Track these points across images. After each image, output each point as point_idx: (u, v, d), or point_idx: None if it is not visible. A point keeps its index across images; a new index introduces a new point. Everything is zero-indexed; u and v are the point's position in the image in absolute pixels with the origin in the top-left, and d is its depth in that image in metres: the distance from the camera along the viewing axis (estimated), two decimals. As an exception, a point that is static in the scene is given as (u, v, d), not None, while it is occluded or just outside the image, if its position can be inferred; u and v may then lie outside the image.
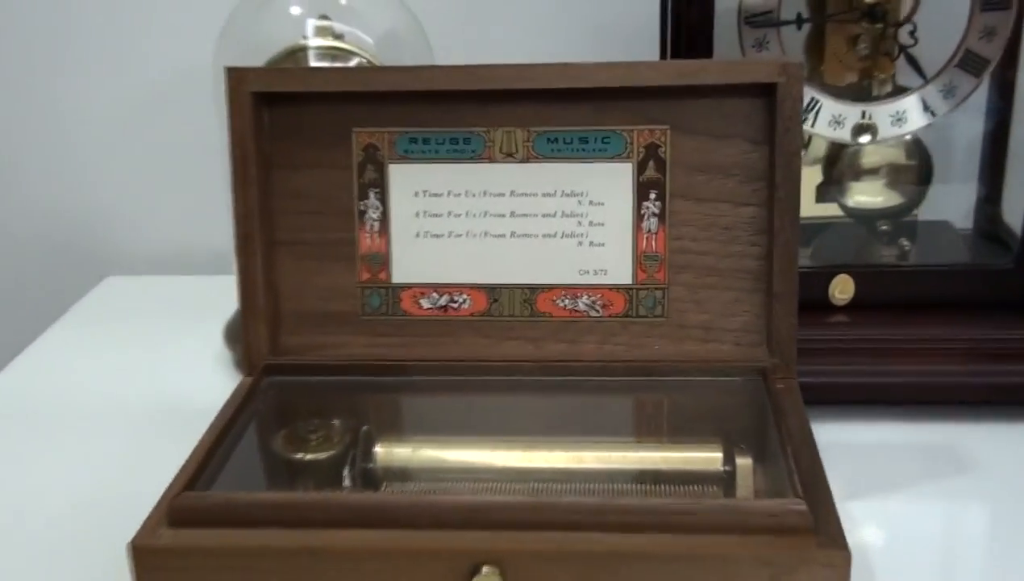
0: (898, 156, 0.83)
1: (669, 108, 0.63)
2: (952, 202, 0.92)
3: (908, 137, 0.79)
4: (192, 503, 0.52)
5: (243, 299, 0.65)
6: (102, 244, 1.08)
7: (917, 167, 0.85)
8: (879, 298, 0.78)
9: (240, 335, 0.81)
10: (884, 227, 0.84)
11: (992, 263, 0.78)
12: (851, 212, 0.85)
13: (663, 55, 0.79)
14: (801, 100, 0.61)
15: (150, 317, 0.96)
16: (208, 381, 0.82)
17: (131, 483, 0.61)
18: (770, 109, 0.62)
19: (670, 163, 0.63)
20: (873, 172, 0.84)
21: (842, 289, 0.78)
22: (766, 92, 0.62)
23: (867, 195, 0.85)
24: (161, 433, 0.73)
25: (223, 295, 0.90)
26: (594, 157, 0.64)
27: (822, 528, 0.49)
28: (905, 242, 0.83)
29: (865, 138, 0.79)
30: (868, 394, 0.74)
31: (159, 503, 0.53)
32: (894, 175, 0.84)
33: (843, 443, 0.69)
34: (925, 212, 0.86)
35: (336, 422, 0.62)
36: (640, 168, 0.63)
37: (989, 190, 0.86)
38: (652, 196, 0.64)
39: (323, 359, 0.65)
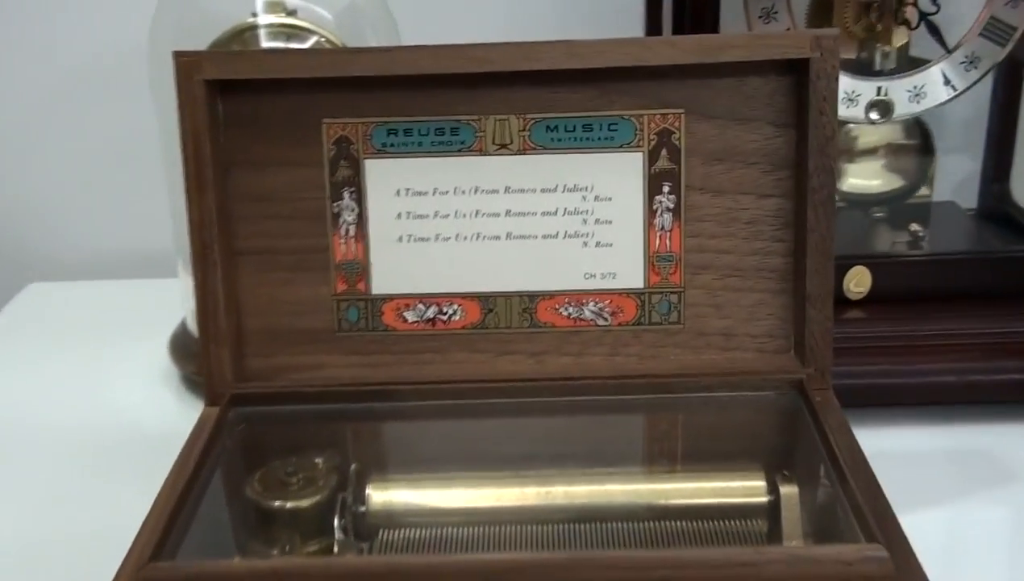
0: (896, 135, 0.80)
1: (684, 89, 0.58)
2: (950, 180, 0.88)
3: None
4: (161, 576, 0.44)
5: (201, 319, 0.60)
6: (24, 247, 1.02)
7: (917, 146, 0.81)
8: (897, 290, 0.74)
9: (189, 348, 0.77)
10: (878, 214, 0.80)
11: (1017, 250, 0.74)
12: (846, 197, 0.81)
13: (651, 30, 0.75)
14: (837, 78, 0.56)
15: (82, 328, 0.91)
16: (155, 402, 0.78)
17: (70, 531, 0.55)
18: (797, 88, 0.58)
19: (685, 151, 0.59)
20: (870, 153, 0.81)
21: (858, 282, 0.74)
22: (792, 69, 0.58)
23: (863, 178, 0.82)
24: (104, 467, 0.68)
25: (164, 302, 0.85)
26: (599, 146, 0.59)
27: (903, 577, 0.43)
28: (917, 227, 0.79)
29: (877, 116, 0.75)
30: (891, 396, 0.71)
31: (117, 576, 0.44)
32: (893, 156, 0.81)
33: (867, 452, 0.62)
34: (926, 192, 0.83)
35: (318, 460, 0.56)
36: (652, 158, 0.59)
37: (997, 166, 0.83)
38: (665, 189, 0.60)
39: (296, 384, 0.60)
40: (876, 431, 0.67)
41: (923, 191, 0.82)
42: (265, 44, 0.73)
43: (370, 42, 0.75)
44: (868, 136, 0.82)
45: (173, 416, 0.72)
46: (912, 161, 0.82)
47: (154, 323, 0.86)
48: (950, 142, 0.90)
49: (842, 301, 0.73)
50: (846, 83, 0.73)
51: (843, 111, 0.73)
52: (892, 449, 0.67)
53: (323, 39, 0.74)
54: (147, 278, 0.97)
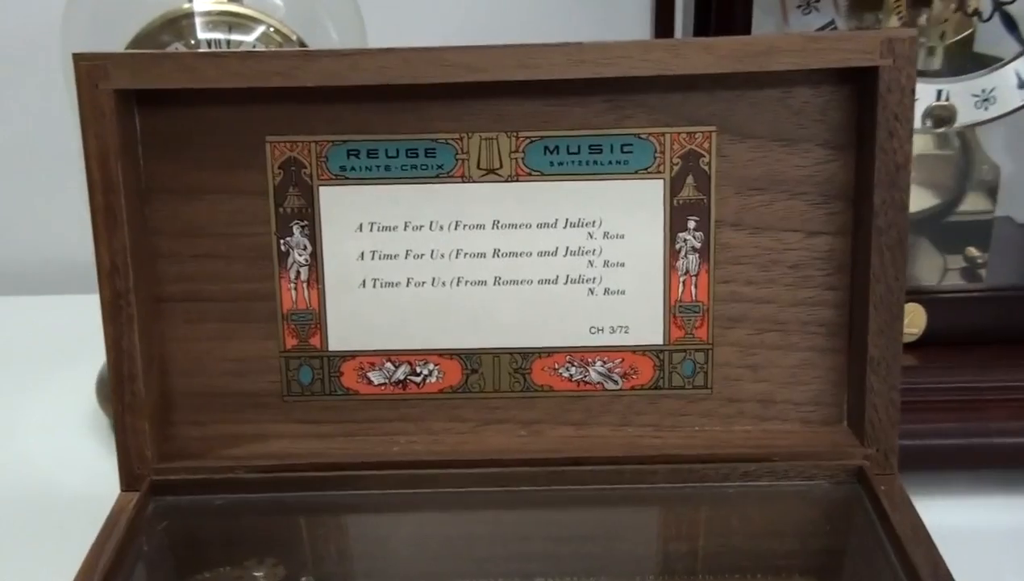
0: (927, 145, 0.73)
1: (715, 102, 0.54)
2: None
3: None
4: None
5: (115, 383, 0.55)
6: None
7: (955, 157, 0.74)
8: (956, 331, 0.68)
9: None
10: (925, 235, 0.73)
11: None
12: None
13: (659, 30, 0.71)
14: (913, 91, 0.51)
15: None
16: (75, 453, 0.71)
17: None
18: (856, 101, 0.53)
19: (716, 178, 0.55)
20: None
21: (911, 321, 0.67)
22: (849, 77, 0.53)
23: None
24: (9, 534, 0.63)
25: (91, 324, 0.77)
26: (610, 172, 0.55)
27: None
28: (976, 253, 0.72)
29: (933, 125, 0.68)
30: (957, 459, 0.65)
31: None
32: (925, 169, 0.73)
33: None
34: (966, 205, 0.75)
35: (259, 572, 0.51)
36: (675, 186, 0.55)
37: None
38: (691, 225, 0.55)
39: (234, 464, 0.56)
40: (943, 504, 0.62)
41: (980, 205, 0.74)
42: (202, 35, 0.67)
43: (330, 35, 0.70)
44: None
45: (99, 479, 0.65)
46: (947, 174, 0.74)
47: (78, 351, 0.78)
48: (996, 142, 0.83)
49: None
50: None
51: None
52: (952, 525, 0.59)
53: (271, 29, 0.68)
54: (69, 294, 0.89)
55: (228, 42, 0.70)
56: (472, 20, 0.91)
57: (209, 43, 0.70)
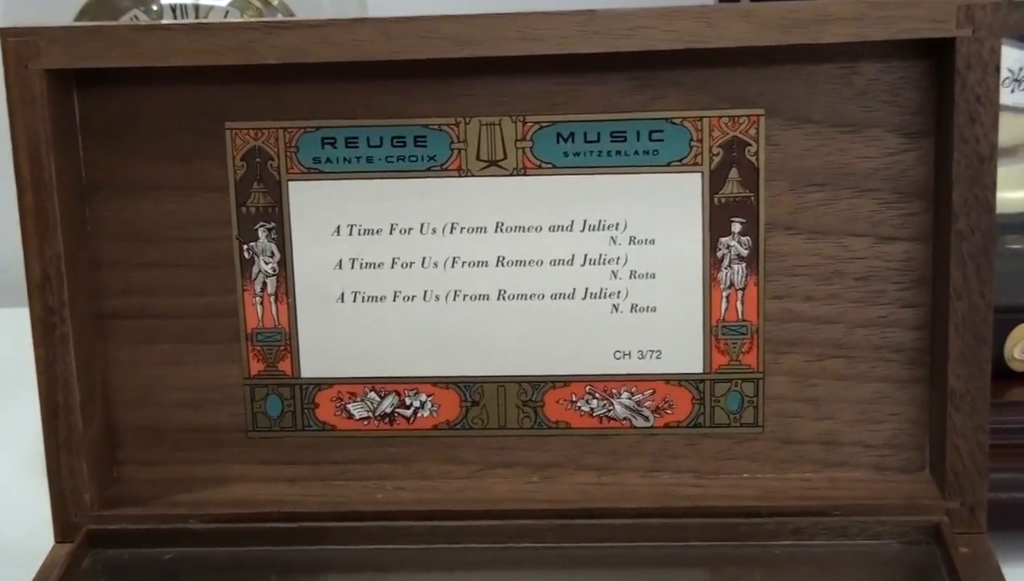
0: None
1: (763, 80, 0.56)
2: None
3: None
4: None
5: (48, 415, 0.58)
6: None
7: None
8: None
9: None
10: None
11: None
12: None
13: None
14: (998, 68, 0.52)
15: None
16: (13, 496, 0.74)
17: None
18: (937, 78, 0.55)
19: (766, 172, 0.57)
20: (1009, 153, 0.75)
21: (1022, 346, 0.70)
22: (929, 50, 0.55)
23: (1005, 189, 0.75)
24: None
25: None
26: (637, 165, 0.57)
27: None
28: None
29: None
30: None
31: None
32: None
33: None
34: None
35: None
36: (715, 181, 0.57)
37: None
38: (736, 228, 0.57)
39: (188, 513, 0.58)
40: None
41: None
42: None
43: (322, 4, 0.73)
44: (1009, 128, 0.74)
45: (44, 527, 0.67)
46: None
47: (21, 375, 0.77)
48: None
49: (1000, 370, 0.69)
50: (1010, 56, 0.67)
51: (1010, 98, 0.69)
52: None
53: None
54: (10, 307, 0.89)
55: (196, 8, 0.73)
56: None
57: (174, 8, 0.73)
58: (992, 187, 0.54)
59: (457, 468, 0.60)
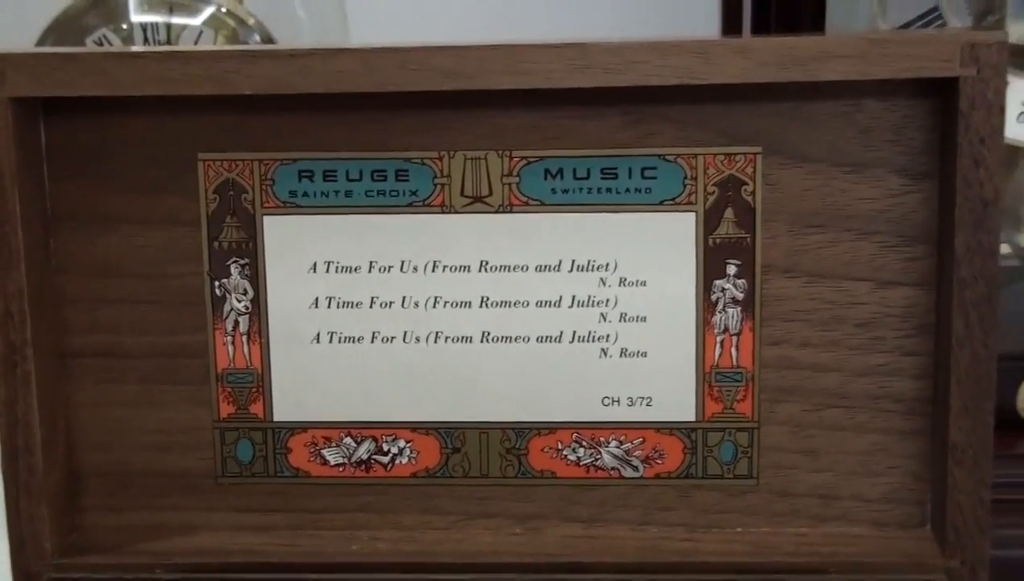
0: None
1: (761, 117, 0.56)
2: None
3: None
4: None
5: (8, 458, 0.58)
6: None
7: None
8: None
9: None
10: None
11: None
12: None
13: (728, 27, 0.75)
14: (1003, 108, 0.53)
15: None
16: None
17: None
18: (941, 117, 0.56)
19: (763, 212, 0.57)
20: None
21: None
22: (933, 89, 0.55)
23: None
24: None
25: None
26: (629, 203, 0.58)
27: None
28: None
29: None
30: None
31: None
32: None
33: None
34: None
35: None
36: (710, 221, 0.57)
37: None
38: (731, 270, 0.58)
39: (154, 562, 0.58)
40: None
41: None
42: (136, 18, 0.72)
43: (303, 30, 0.73)
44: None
45: (4, 575, 0.68)
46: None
47: None
48: None
49: (1012, 421, 0.72)
50: (1020, 87, 0.70)
51: (1012, 129, 0.70)
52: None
53: (223, 9, 0.72)
54: None
55: (168, 27, 0.74)
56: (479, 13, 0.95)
57: (144, 28, 0.74)
58: (996, 232, 0.54)
59: (436, 518, 0.60)
